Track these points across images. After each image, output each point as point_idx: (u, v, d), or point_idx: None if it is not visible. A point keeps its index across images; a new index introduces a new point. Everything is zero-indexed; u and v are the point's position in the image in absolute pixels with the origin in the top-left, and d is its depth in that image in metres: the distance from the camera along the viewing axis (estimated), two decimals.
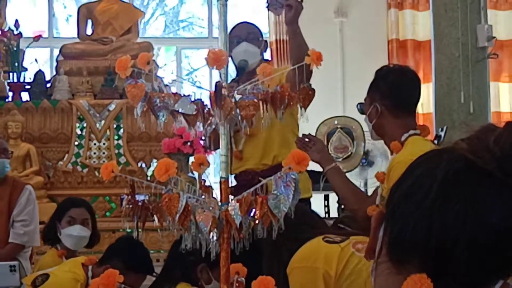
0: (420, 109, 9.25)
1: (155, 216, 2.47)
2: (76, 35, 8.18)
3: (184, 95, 2.45)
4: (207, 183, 2.57)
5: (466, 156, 1.00)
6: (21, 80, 7.60)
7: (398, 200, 1.03)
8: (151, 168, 7.25)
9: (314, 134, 7.11)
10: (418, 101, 3.44)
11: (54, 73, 7.98)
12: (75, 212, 4.39)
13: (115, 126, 7.42)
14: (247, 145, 4.05)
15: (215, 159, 6.85)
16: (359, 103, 3.62)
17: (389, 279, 1.03)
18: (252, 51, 4.11)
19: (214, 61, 2.41)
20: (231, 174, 4.13)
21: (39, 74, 7.68)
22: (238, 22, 4.40)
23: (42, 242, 4.35)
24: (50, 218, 4.45)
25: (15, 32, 7.58)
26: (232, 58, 4.16)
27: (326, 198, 7.79)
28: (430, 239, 0.98)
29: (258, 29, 4.38)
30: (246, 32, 4.17)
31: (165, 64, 10.06)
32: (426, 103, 9.01)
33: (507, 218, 0.98)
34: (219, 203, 2.48)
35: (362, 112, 3.51)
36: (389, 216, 1.04)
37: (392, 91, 3.29)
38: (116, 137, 7.41)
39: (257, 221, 2.41)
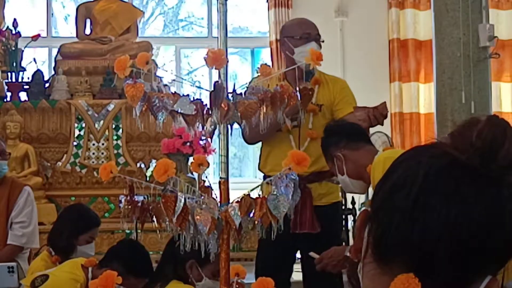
0: (421, 109, 9.23)
1: (154, 217, 2.45)
2: (74, 35, 8.16)
3: (183, 95, 2.42)
4: (206, 184, 2.54)
5: (448, 152, 1.00)
6: (20, 80, 7.57)
7: (381, 200, 1.02)
8: (150, 169, 7.22)
9: None
10: (365, 132, 3.53)
11: (53, 73, 7.96)
12: (95, 232, 4.35)
13: (114, 126, 7.39)
14: (309, 147, 3.98)
15: (214, 159, 6.83)
16: (329, 180, 3.73)
17: (375, 280, 1.02)
18: None
19: (214, 60, 2.38)
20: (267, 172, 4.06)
21: (38, 74, 7.65)
22: (297, 18, 4.38)
23: (52, 249, 4.27)
24: (68, 231, 4.22)
25: (14, 32, 7.56)
26: (288, 52, 4.06)
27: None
28: (413, 237, 0.97)
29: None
30: (316, 32, 4.03)
31: (164, 64, 10.03)
32: (427, 103, 8.99)
33: (490, 212, 0.97)
34: (219, 204, 2.45)
35: (336, 182, 3.57)
36: (373, 216, 1.03)
37: (339, 133, 3.41)
38: (115, 137, 7.38)
39: (256, 222, 2.38)
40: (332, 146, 3.38)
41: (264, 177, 4.03)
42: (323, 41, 4.09)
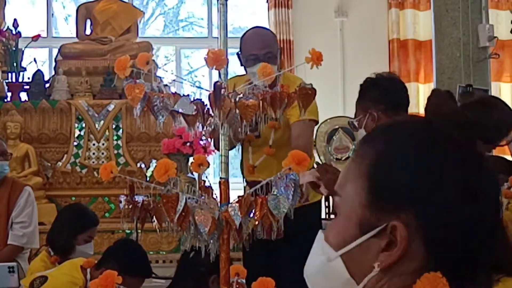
0: (421, 109, 9.22)
1: (154, 217, 2.45)
2: (75, 35, 8.16)
3: (183, 95, 2.42)
4: (206, 184, 2.54)
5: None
6: (20, 80, 7.57)
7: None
8: (151, 169, 7.22)
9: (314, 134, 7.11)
10: (408, 103, 3.49)
11: (53, 73, 7.95)
12: (94, 232, 4.35)
13: (114, 126, 7.39)
14: (263, 163, 3.96)
15: (214, 159, 6.83)
16: (350, 121, 3.57)
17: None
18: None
19: (214, 61, 2.39)
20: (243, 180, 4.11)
21: (38, 74, 7.65)
22: (252, 27, 4.17)
23: (51, 249, 4.27)
24: (67, 230, 4.22)
25: (14, 32, 7.55)
26: (244, 68, 4.04)
27: (327, 199, 7.77)
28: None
29: (273, 34, 4.20)
30: (264, 51, 3.93)
31: (165, 64, 10.04)
32: None
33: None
34: (219, 204, 2.45)
35: (354, 128, 3.48)
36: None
37: (384, 95, 3.36)
38: (115, 137, 7.38)
39: (256, 222, 2.38)
40: (371, 101, 3.34)
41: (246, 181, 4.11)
42: (280, 49, 4.05)
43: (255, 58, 3.91)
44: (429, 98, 1.14)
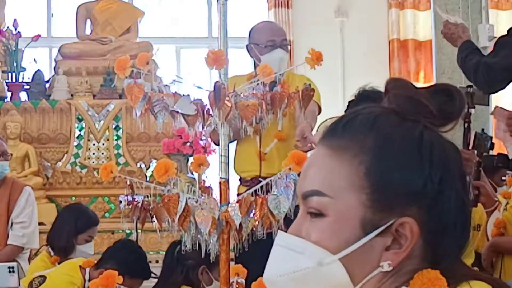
0: None
1: (154, 217, 2.45)
2: (75, 35, 8.15)
3: (183, 95, 2.42)
4: (206, 184, 2.54)
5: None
6: (20, 80, 7.57)
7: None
8: (151, 169, 7.22)
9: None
10: None
11: (53, 73, 7.95)
12: (94, 231, 4.35)
13: (114, 126, 7.39)
14: (275, 149, 3.93)
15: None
16: None
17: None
18: (285, 59, 3.96)
19: (214, 61, 2.39)
20: (244, 176, 4.03)
21: (38, 74, 7.65)
22: (262, 21, 4.28)
23: (51, 249, 4.27)
24: (67, 230, 4.22)
25: (14, 32, 7.56)
26: (255, 59, 4.01)
27: None
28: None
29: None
30: (282, 38, 3.98)
31: (164, 64, 10.03)
32: None
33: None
34: (219, 204, 2.45)
35: None
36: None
37: (375, 102, 3.35)
38: (115, 137, 7.38)
39: (257, 222, 2.39)
40: None
41: (240, 179, 4.03)
42: (289, 45, 4.09)
43: (273, 45, 3.94)
44: (388, 87, 1.13)
